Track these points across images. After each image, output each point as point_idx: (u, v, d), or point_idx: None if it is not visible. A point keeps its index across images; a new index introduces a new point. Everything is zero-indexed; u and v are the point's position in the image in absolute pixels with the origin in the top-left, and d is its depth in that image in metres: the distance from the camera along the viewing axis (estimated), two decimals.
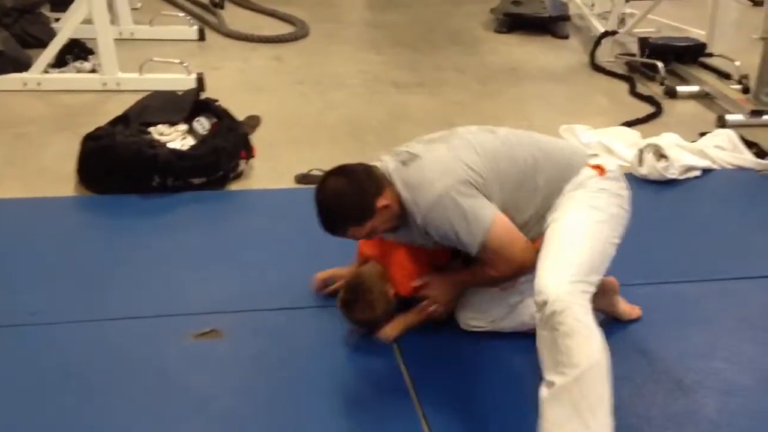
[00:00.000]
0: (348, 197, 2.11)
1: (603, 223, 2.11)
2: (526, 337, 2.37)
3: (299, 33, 5.59)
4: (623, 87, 4.80)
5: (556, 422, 1.84)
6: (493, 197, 2.14)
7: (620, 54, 5.25)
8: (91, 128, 3.39)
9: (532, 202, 2.18)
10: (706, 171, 3.63)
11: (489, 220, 2.09)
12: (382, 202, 2.11)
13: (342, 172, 2.16)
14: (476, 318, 2.35)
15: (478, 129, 2.29)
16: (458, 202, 2.07)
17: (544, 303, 1.91)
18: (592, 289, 1.99)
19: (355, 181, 2.12)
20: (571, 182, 2.17)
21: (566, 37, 5.79)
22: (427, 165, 2.14)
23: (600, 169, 2.19)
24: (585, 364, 1.85)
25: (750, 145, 3.79)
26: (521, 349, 2.34)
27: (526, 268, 2.13)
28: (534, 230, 2.18)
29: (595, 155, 2.29)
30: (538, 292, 1.94)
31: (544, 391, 1.89)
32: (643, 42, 5.08)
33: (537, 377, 2.06)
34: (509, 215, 2.15)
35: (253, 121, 3.97)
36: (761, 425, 2.13)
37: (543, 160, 2.19)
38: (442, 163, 2.13)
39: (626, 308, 2.47)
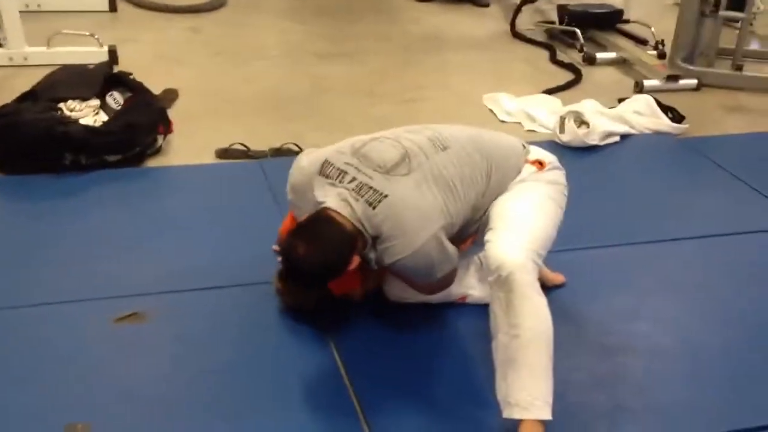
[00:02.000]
0: (321, 271, 2.00)
1: (549, 203, 2.15)
2: (455, 307, 2.39)
3: (216, 3, 5.43)
4: (543, 54, 4.83)
5: (514, 383, 1.90)
6: (454, 228, 2.11)
7: (540, 21, 5.29)
8: None
9: (478, 210, 2.16)
10: (625, 136, 3.69)
11: (454, 263, 2.09)
12: (353, 265, 2.02)
13: (315, 239, 1.97)
14: (404, 290, 2.33)
15: (429, 144, 2.12)
16: (437, 250, 2.01)
17: (500, 266, 1.94)
18: (540, 262, 2.05)
19: (328, 252, 1.97)
20: (514, 180, 2.18)
21: (487, 5, 5.80)
22: (401, 211, 1.99)
23: (539, 164, 2.21)
24: (539, 328, 1.93)
25: (667, 109, 3.87)
26: (450, 322, 2.36)
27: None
28: (470, 228, 2.18)
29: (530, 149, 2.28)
30: (493, 257, 1.97)
31: (499, 351, 1.94)
32: (562, 9, 5.13)
33: (467, 349, 2.07)
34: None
35: (171, 95, 3.86)
36: (686, 385, 2.18)
37: (493, 173, 2.16)
38: (417, 209, 2.01)
39: (549, 275, 2.50)
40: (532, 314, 1.93)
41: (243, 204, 2.96)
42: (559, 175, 2.25)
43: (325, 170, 2.09)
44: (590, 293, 2.54)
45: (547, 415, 1.90)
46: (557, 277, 2.52)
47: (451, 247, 2.06)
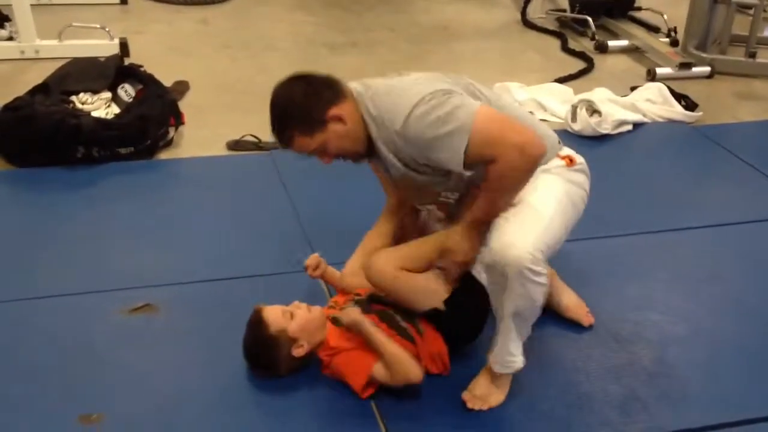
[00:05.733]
0: (299, 100, 1.98)
1: (566, 206, 2.07)
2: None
3: None
4: (555, 43, 4.81)
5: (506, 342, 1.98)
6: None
7: (551, 10, 5.26)
8: (9, 99, 3.24)
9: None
10: (637, 125, 3.67)
11: (474, 106, 1.91)
12: (334, 111, 1.97)
13: (302, 76, 2.04)
14: None
15: (467, 81, 2.14)
16: (441, 100, 1.90)
17: (501, 260, 1.88)
18: (542, 256, 1.95)
19: (311, 85, 2.00)
20: (539, 169, 2.07)
21: None
22: (408, 80, 2.02)
23: (569, 160, 2.14)
24: (524, 306, 1.93)
25: (679, 97, 3.85)
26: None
27: (536, 149, 1.91)
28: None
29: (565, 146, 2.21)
30: (495, 252, 1.90)
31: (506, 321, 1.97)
32: None
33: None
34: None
35: (181, 87, 3.86)
36: (696, 374, 2.18)
37: None
38: (427, 78, 2.01)
39: (572, 302, 2.39)
40: (524, 296, 1.90)
41: (254, 195, 2.97)
42: (583, 181, 2.16)
43: None
44: (603, 283, 2.53)
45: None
46: (581, 311, 2.38)
47: (463, 100, 1.94)
